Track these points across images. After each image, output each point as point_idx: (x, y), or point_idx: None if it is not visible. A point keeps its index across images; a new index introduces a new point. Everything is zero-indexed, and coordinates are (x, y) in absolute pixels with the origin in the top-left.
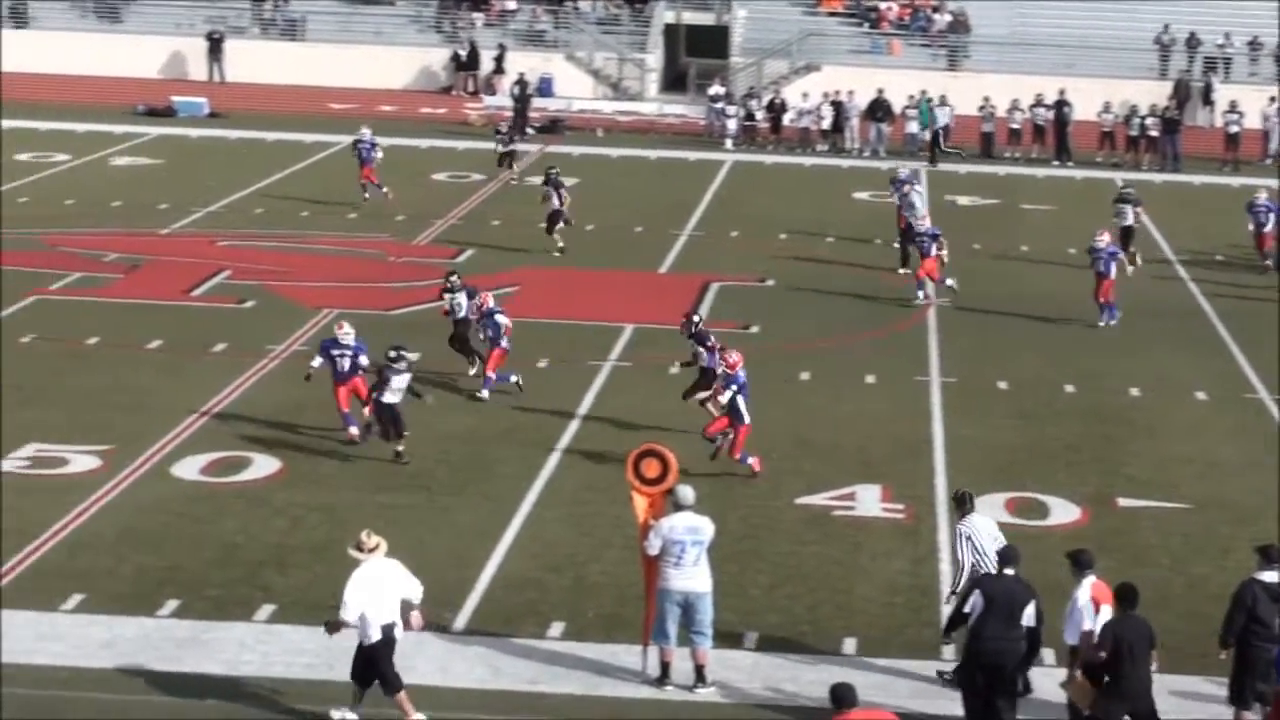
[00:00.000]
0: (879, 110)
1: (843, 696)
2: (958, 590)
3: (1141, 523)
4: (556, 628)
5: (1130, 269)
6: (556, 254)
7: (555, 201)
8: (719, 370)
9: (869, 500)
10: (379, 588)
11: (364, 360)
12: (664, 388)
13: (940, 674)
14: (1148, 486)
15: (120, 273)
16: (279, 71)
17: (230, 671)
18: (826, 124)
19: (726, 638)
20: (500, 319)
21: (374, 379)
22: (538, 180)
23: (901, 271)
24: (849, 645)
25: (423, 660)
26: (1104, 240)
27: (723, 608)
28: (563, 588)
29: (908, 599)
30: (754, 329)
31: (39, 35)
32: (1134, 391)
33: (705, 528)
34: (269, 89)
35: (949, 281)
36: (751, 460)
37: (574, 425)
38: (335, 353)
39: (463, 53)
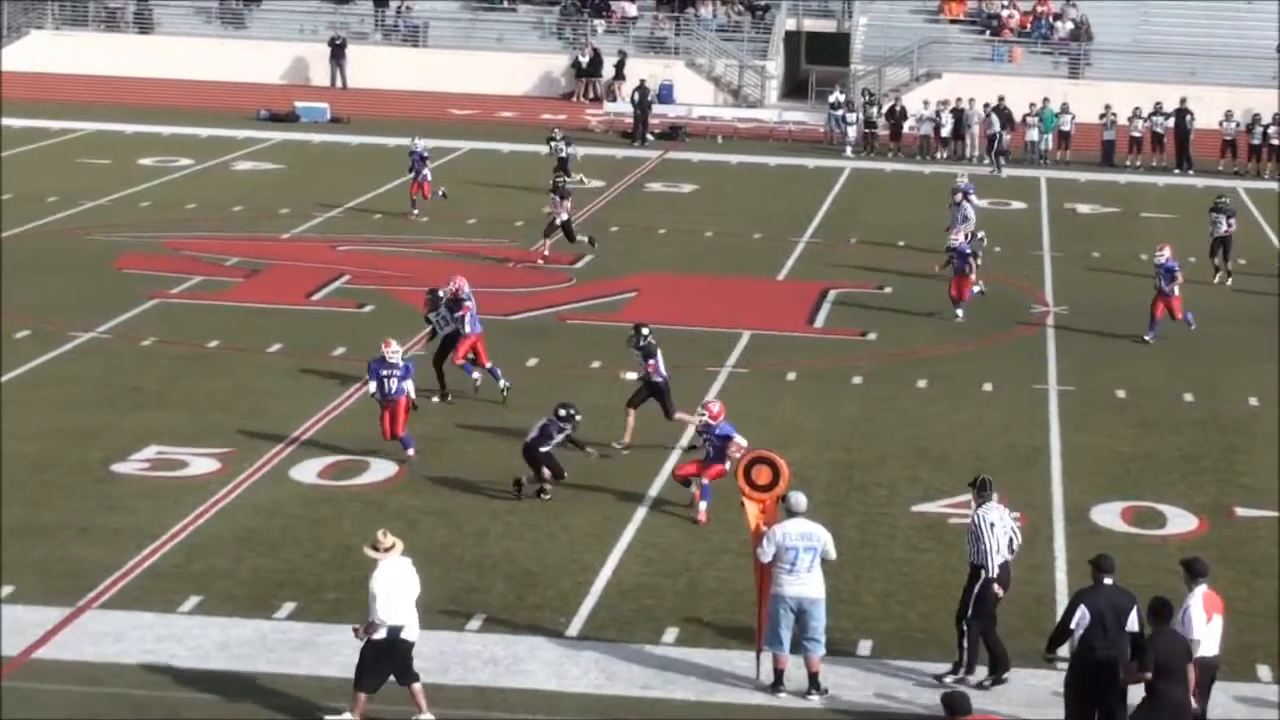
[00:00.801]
0: (1000, 118)
1: (956, 704)
2: (1068, 615)
3: (1259, 533)
4: (670, 633)
5: (1216, 280)
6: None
7: (562, 212)
8: (698, 417)
9: None
10: (396, 587)
11: (409, 384)
12: (780, 394)
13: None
14: (1266, 496)
15: (241, 277)
16: (401, 77)
17: (346, 674)
18: (946, 131)
19: (841, 645)
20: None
21: (536, 432)
22: (658, 186)
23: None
24: None
25: (537, 665)
26: (1165, 254)
27: (837, 615)
28: (677, 593)
29: (1022, 607)
30: (871, 336)
31: (164, 41)
32: (1253, 401)
33: (818, 534)
34: (390, 94)
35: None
36: (703, 507)
37: (689, 431)
38: (384, 373)
39: (584, 59)
